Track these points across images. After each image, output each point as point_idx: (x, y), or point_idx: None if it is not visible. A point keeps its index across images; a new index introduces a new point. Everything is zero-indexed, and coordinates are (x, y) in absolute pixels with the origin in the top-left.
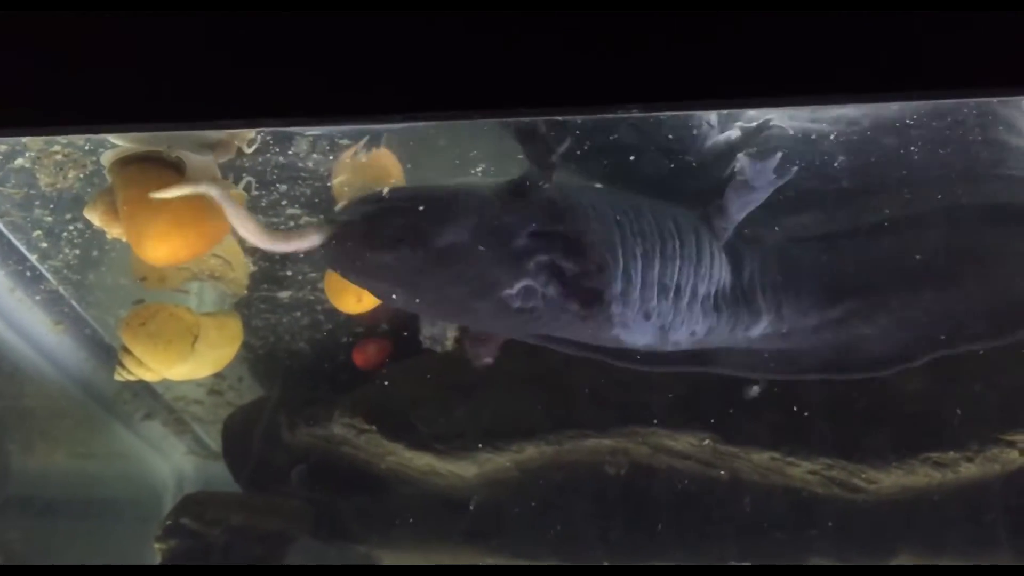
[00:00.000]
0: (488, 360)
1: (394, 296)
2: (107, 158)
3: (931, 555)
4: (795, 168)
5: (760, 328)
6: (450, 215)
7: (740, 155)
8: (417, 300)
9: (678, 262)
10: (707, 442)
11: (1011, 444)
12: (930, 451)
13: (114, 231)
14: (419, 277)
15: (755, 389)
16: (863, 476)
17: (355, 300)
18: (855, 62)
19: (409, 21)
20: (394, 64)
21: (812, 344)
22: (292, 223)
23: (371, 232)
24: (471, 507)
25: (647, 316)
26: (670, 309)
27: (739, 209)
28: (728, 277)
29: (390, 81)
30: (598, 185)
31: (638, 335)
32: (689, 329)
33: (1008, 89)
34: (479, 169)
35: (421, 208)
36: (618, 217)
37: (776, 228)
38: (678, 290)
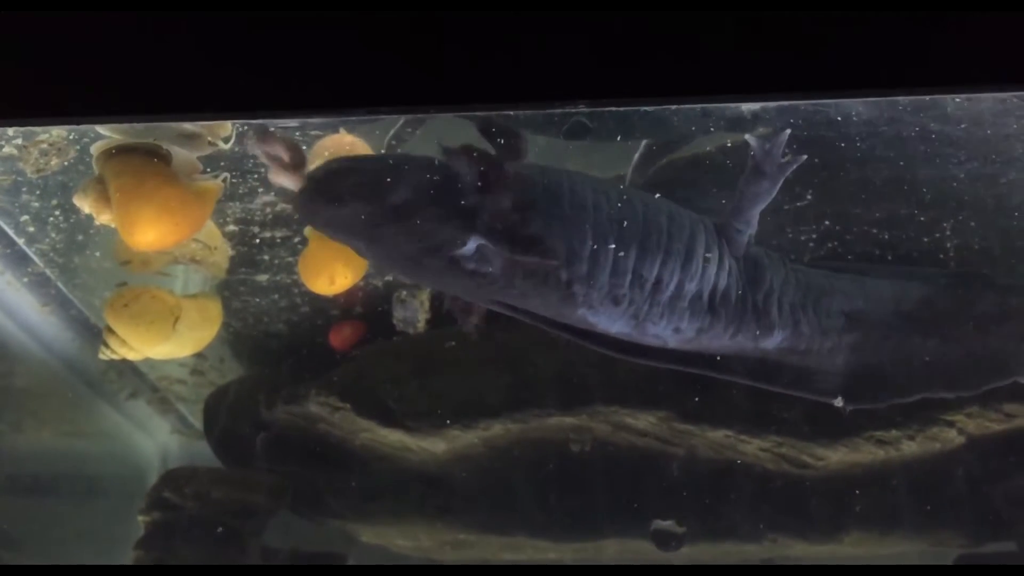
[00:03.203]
0: (473, 323)
1: (359, 247)
2: (97, 148)
3: (878, 528)
4: (805, 156)
5: (774, 341)
6: (402, 174)
7: (748, 136)
8: (378, 253)
9: (661, 255)
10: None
11: (950, 424)
12: (874, 430)
13: (103, 217)
14: (376, 231)
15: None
16: (811, 453)
17: (327, 282)
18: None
19: (380, 19)
20: (361, 60)
21: (824, 366)
22: (268, 210)
23: (330, 187)
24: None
25: (616, 301)
26: (645, 300)
27: (752, 202)
28: (733, 283)
29: (357, 77)
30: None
31: (606, 319)
32: (672, 325)
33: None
34: None
35: (376, 168)
36: (596, 202)
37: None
38: (658, 283)
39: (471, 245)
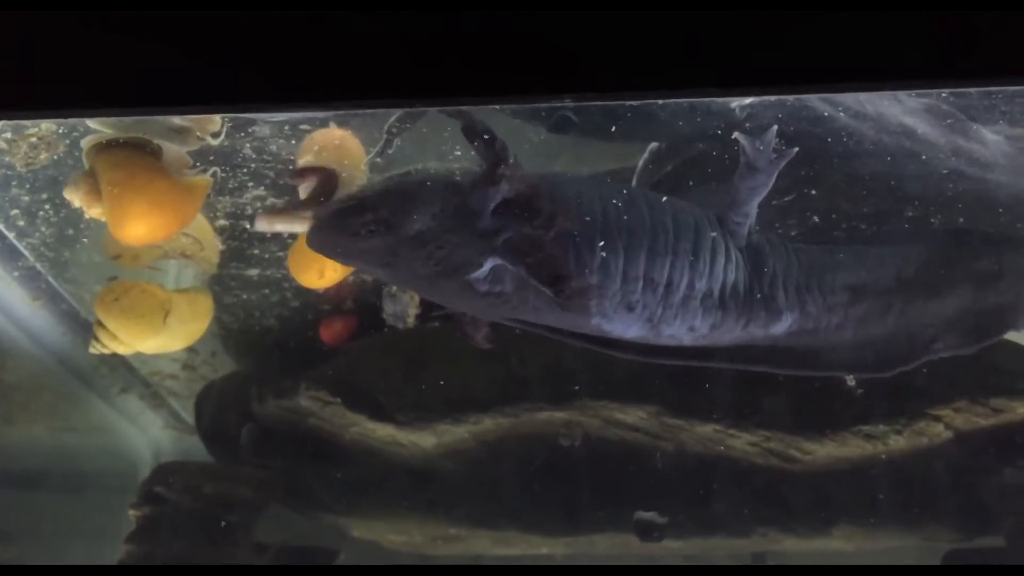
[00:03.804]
0: (483, 339)
1: (375, 272)
2: (88, 142)
3: (867, 522)
4: (796, 149)
5: (783, 326)
6: (416, 203)
7: (737, 133)
8: (392, 276)
9: (670, 257)
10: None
11: (937, 419)
12: (862, 424)
13: (94, 211)
14: (392, 259)
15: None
16: (798, 447)
17: (317, 276)
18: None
19: (369, 12)
20: (351, 53)
21: (832, 342)
22: (258, 204)
23: (344, 225)
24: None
25: (630, 308)
26: (658, 303)
27: (748, 196)
28: (740, 276)
29: (343, 72)
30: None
31: (621, 326)
32: (686, 324)
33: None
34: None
35: (389, 200)
36: (602, 210)
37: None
38: (669, 285)
39: (485, 267)
